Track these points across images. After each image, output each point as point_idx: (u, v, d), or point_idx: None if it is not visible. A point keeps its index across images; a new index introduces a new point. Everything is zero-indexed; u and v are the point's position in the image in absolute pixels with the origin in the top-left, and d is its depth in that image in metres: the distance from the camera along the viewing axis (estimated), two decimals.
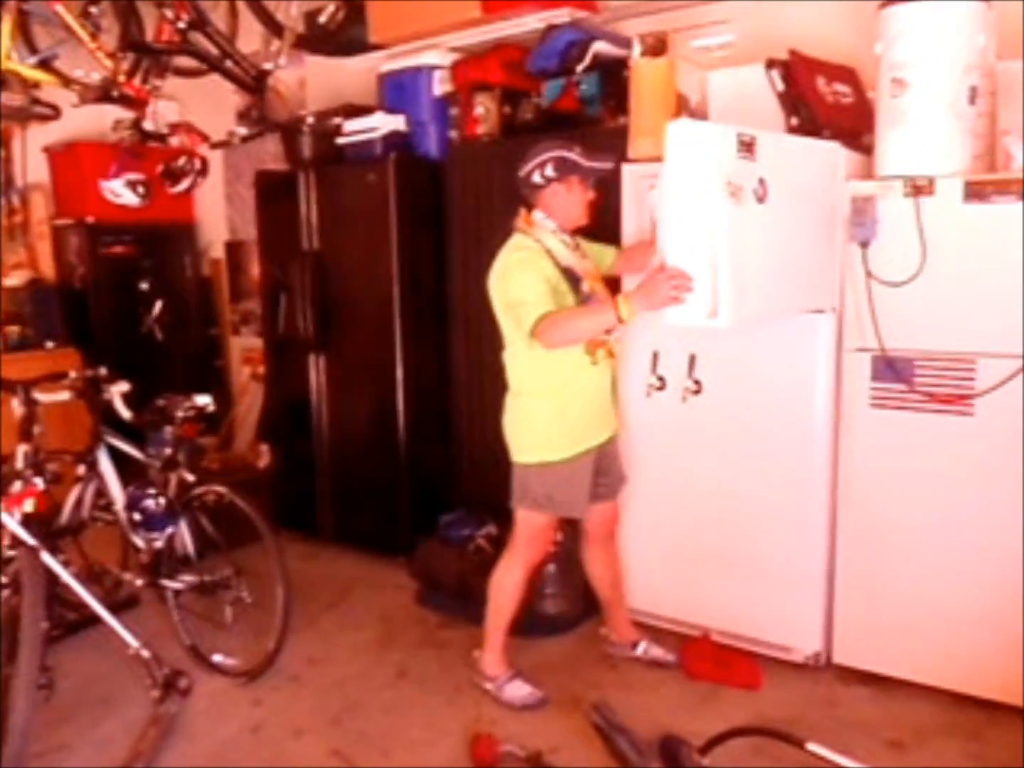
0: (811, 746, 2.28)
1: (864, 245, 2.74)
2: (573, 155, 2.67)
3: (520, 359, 2.77)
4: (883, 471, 2.82)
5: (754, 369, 2.98)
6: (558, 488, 2.77)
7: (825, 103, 2.98)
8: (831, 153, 2.82)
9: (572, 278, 2.68)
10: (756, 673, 2.97)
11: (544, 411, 2.75)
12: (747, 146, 2.46)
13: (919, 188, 2.64)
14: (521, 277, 2.64)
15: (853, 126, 3.00)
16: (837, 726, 2.69)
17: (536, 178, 2.68)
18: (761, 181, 2.51)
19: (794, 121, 2.96)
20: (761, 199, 2.52)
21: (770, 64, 2.99)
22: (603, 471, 2.89)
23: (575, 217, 2.74)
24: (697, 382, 3.07)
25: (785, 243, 2.64)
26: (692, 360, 3.06)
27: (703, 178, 2.37)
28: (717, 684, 2.95)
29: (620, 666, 3.13)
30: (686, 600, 3.23)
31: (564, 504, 2.81)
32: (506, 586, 2.89)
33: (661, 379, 3.13)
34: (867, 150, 2.88)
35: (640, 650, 3.14)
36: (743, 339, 2.97)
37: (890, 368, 2.75)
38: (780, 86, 2.97)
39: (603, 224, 3.24)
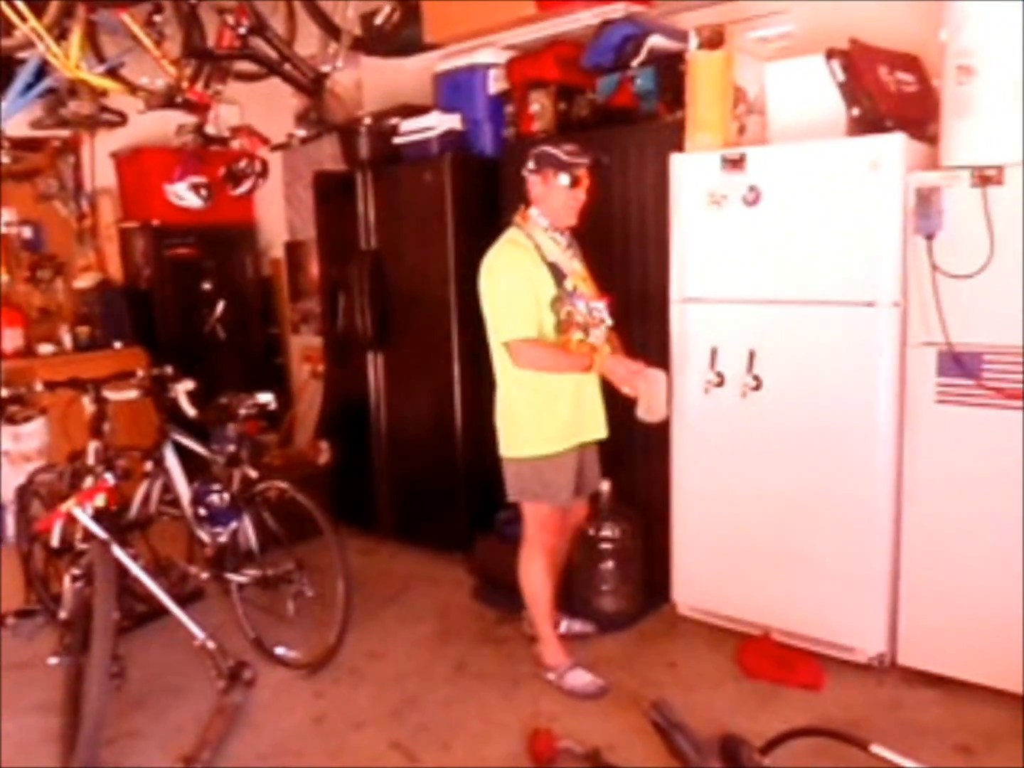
0: (876, 748, 2.24)
1: (929, 237, 2.68)
2: (554, 150, 2.83)
3: (503, 352, 2.88)
4: (949, 468, 2.75)
5: (815, 364, 2.93)
6: (552, 478, 2.90)
7: (887, 93, 2.91)
8: (872, 148, 2.76)
9: (557, 273, 2.83)
10: (818, 673, 2.92)
11: (531, 406, 2.88)
12: (734, 163, 3.00)
13: (987, 178, 2.57)
14: (508, 282, 2.80)
15: (917, 115, 2.93)
16: (902, 729, 2.63)
17: (523, 171, 2.89)
18: (751, 188, 2.96)
19: (855, 112, 2.90)
20: (751, 203, 2.97)
21: (830, 54, 2.93)
22: (581, 471, 2.99)
23: (559, 213, 2.86)
24: (757, 378, 3.03)
25: (785, 237, 2.95)
26: (752, 356, 3.03)
27: (689, 193, 3.12)
28: (777, 684, 2.91)
29: (678, 664, 3.11)
30: (745, 599, 3.20)
31: (555, 494, 2.93)
32: (533, 576, 3.00)
33: (720, 375, 3.11)
34: (932, 140, 2.82)
35: (563, 628, 3.23)
36: (804, 334, 2.94)
37: (957, 363, 2.68)
38: (841, 76, 2.91)
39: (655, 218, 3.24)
